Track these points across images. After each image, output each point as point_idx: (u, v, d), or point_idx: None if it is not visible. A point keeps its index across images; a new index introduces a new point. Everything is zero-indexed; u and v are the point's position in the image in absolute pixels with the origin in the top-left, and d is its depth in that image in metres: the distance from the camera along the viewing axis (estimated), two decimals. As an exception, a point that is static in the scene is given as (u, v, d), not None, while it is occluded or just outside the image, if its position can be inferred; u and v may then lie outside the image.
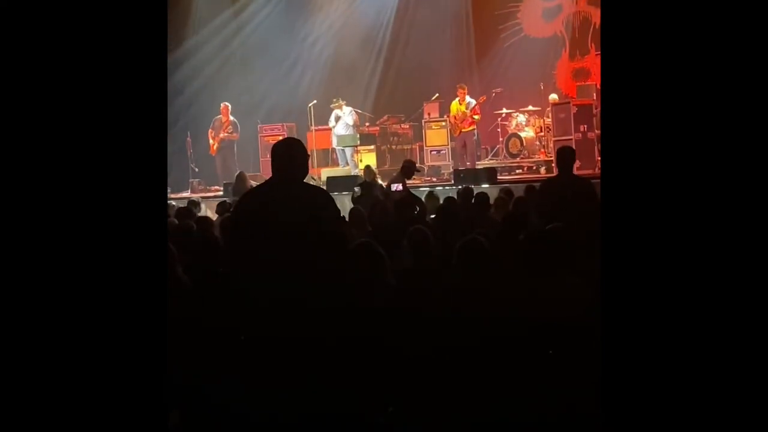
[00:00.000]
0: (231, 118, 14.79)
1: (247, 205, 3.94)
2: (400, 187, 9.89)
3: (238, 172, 12.00)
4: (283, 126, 15.69)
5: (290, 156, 3.82)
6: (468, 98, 13.82)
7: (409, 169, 10.08)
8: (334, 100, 14.78)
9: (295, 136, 15.68)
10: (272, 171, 3.89)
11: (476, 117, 13.80)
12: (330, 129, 14.73)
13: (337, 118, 14.60)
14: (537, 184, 8.04)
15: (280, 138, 15.65)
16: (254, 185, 11.01)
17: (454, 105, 13.93)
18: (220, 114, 14.83)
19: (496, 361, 3.49)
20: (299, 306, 3.52)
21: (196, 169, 15.28)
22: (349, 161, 14.47)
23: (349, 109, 14.66)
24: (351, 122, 14.52)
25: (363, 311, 3.62)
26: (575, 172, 7.02)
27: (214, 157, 14.99)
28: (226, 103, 14.90)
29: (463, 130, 13.85)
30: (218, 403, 3.77)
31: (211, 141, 14.90)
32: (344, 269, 3.81)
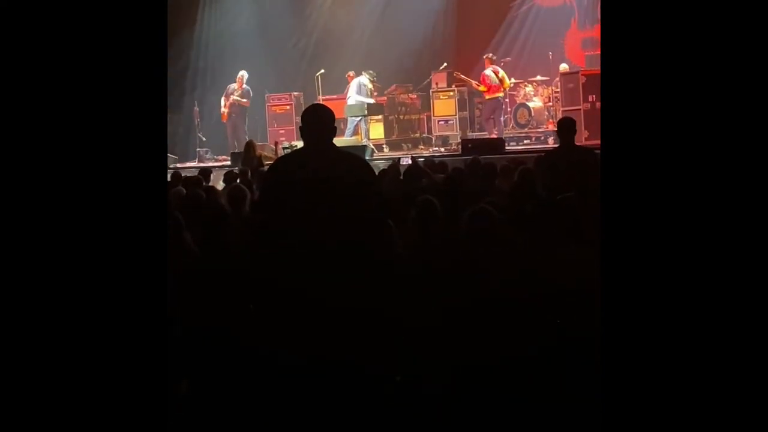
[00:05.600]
0: (245, 86, 14.78)
1: (283, 167, 3.86)
2: (408, 159, 9.88)
3: (247, 140, 11.94)
4: (290, 95, 15.63)
5: (319, 120, 3.74)
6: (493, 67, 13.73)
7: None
8: (371, 71, 14.57)
9: (302, 106, 15.70)
10: (303, 138, 3.82)
11: (482, 88, 13.73)
12: (346, 98, 14.57)
13: (370, 92, 14.44)
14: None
15: (288, 107, 15.34)
16: (263, 154, 11.03)
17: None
18: (235, 82, 14.80)
19: (504, 329, 3.50)
20: (318, 273, 3.49)
21: (204, 138, 15.26)
22: (362, 130, 14.33)
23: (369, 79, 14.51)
24: (369, 92, 14.39)
25: (372, 279, 3.62)
26: (583, 142, 6.98)
27: (224, 125, 14.98)
28: (243, 72, 14.84)
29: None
30: (225, 371, 3.80)
31: (222, 108, 14.90)
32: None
